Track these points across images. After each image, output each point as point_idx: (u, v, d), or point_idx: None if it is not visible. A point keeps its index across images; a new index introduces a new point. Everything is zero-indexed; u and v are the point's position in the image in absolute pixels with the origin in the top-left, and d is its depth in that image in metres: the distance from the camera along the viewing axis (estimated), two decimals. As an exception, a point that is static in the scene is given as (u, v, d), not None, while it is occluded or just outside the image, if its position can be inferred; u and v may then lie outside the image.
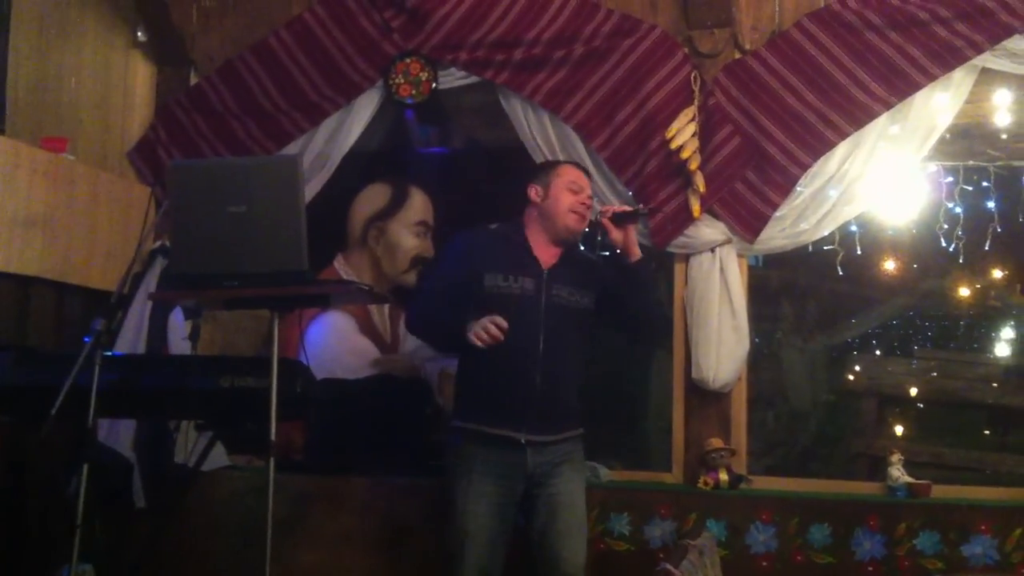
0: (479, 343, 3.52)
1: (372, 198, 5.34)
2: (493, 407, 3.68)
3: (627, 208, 3.86)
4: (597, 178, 4.57)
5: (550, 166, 4.00)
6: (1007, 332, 6.30)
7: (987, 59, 4.24)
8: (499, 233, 3.90)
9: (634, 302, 3.81)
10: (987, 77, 4.32)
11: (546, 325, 3.68)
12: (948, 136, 4.39)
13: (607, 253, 4.98)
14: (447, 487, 3.75)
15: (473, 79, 4.80)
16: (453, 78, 4.83)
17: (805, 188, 4.42)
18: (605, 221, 3.80)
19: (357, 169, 5.09)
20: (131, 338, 4.52)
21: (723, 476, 4.29)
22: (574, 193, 3.82)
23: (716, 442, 4.34)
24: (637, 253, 3.81)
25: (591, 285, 3.84)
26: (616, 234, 3.80)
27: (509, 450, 3.65)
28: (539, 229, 3.84)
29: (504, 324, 3.51)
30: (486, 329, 3.51)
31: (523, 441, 3.65)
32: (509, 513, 3.70)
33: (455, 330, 3.60)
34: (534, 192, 3.86)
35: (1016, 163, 4.46)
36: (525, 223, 3.87)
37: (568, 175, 3.87)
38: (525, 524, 3.75)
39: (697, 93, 4.43)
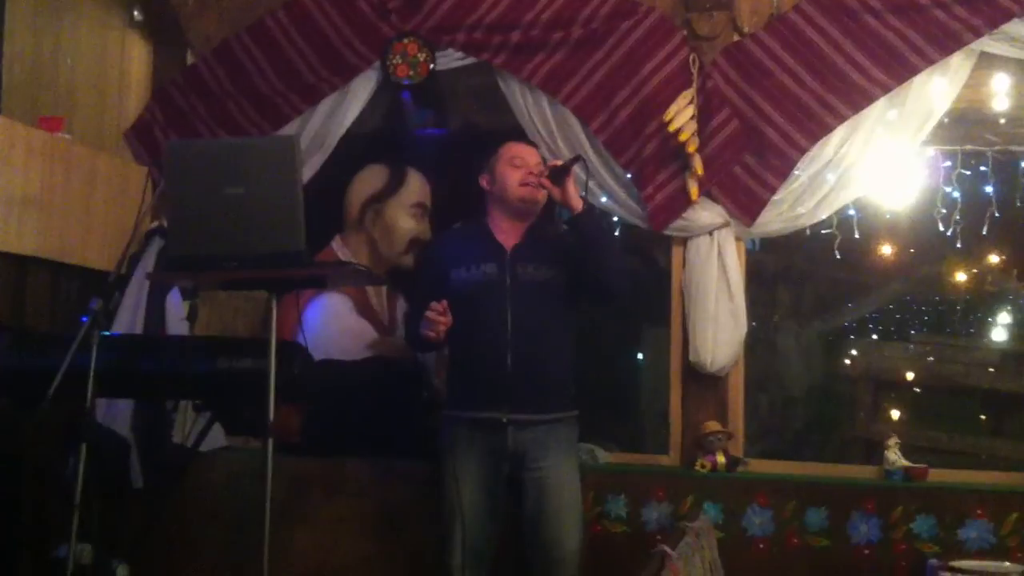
0: (432, 335, 3.64)
1: (369, 180, 5.32)
2: (472, 392, 3.78)
3: (557, 163, 3.85)
4: (595, 160, 4.56)
5: (492, 151, 4.00)
6: (1004, 317, 6.32)
7: (986, 43, 4.23)
8: (462, 229, 4.04)
9: (590, 260, 3.75)
10: (986, 61, 4.31)
11: (513, 305, 3.73)
12: (946, 121, 4.38)
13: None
14: (438, 467, 3.83)
15: (471, 60, 4.79)
16: (451, 59, 4.82)
17: (803, 172, 4.42)
18: (544, 181, 3.80)
19: (354, 150, 5.08)
20: (128, 319, 4.51)
21: (720, 459, 4.30)
22: (517, 168, 3.86)
23: (713, 425, 4.35)
24: (578, 206, 3.77)
25: (560, 257, 3.84)
26: (556, 191, 3.78)
27: (491, 430, 3.71)
28: (499, 213, 3.91)
29: (439, 306, 3.61)
30: (427, 320, 3.64)
31: (505, 420, 3.69)
32: (497, 492, 3.75)
33: (421, 337, 3.72)
34: (485, 181, 3.94)
35: (1014, 148, 4.46)
36: (487, 212, 3.94)
37: (507, 153, 3.92)
38: (516, 507, 3.77)
39: (695, 76, 4.42)
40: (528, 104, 4.69)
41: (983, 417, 6.26)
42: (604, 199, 4.63)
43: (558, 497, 3.71)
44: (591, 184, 4.58)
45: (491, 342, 3.71)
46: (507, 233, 3.87)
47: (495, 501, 3.76)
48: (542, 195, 3.85)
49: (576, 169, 3.83)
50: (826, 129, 4.36)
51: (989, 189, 4.51)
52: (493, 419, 3.71)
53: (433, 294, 3.73)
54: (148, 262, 4.61)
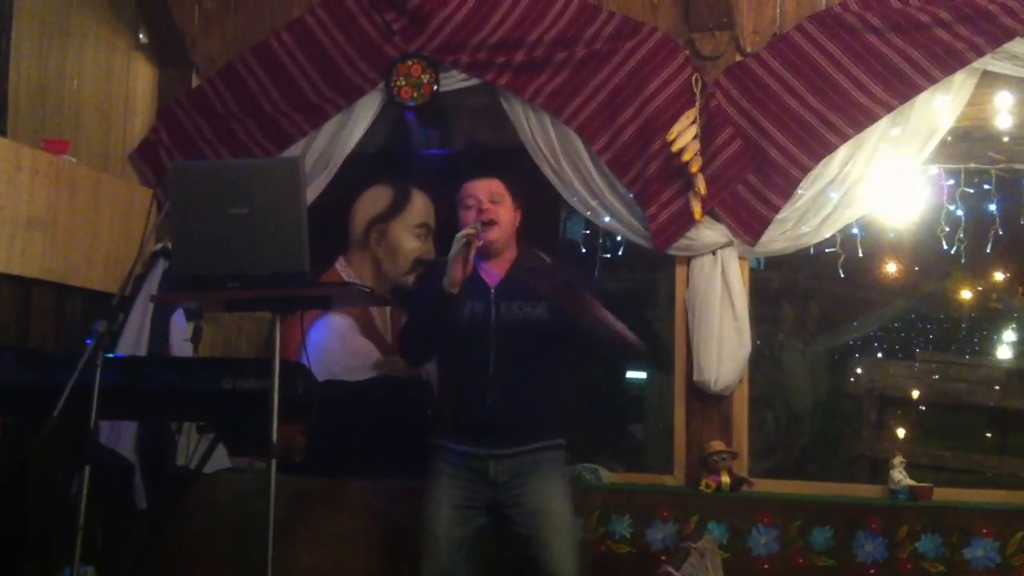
0: (463, 242, 3.58)
1: (373, 200, 5.33)
2: (455, 427, 3.79)
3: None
4: (599, 180, 4.57)
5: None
6: (1008, 335, 6.31)
7: (988, 62, 4.24)
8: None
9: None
10: (988, 80, 4.32)
11: (497, 344, 3.70)
12: (949, 139, 4.39)
13: (608, 255, 5.00)
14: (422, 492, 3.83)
15: (474, 81, 4.80)
16: (454, 80, 4.84)
17: (806, 191, 4.42)
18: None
19: (358, 171, 5.09)
20: (133, 340, 4.52)
21: (724, 478, 4.29)
22: (469, 208, 3.79)
23: (717, 444, 4.34)
24: None
25: (546, 293, 3.77)
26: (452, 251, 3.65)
27: (474, 461, 3.72)
28: (476, 253, 3.76)
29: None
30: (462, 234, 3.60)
31: (487, 456, 3.70)
32: (474, 519, 3.75)
33: (438, 292, 3.63)
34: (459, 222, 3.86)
35: (1017, 166, 4.45)
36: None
37: (462, 194, 3.83)
38: (510, 536, 3.76)
39: (698, 95, 4.43)
40: (531, 124, 4.70)
41: (988, 435, 6.24)
42: (607, 219, 4.64)
43: (543, 521, 3.68)
44: (594, 204, 4.60)
45: (473, 382, 3.71)
46: (488, 271, 3.81)
47: (470, 527, 3.75)
48: (495, 234, 3.75)
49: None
50: (829, 148, 4.36)
51: (993, 207, 4.52)
52: (473, 453, 3.72)
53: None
54: (152, 283, 4.62)
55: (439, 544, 3.72)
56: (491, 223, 3.75)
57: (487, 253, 3.80)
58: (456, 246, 3.60)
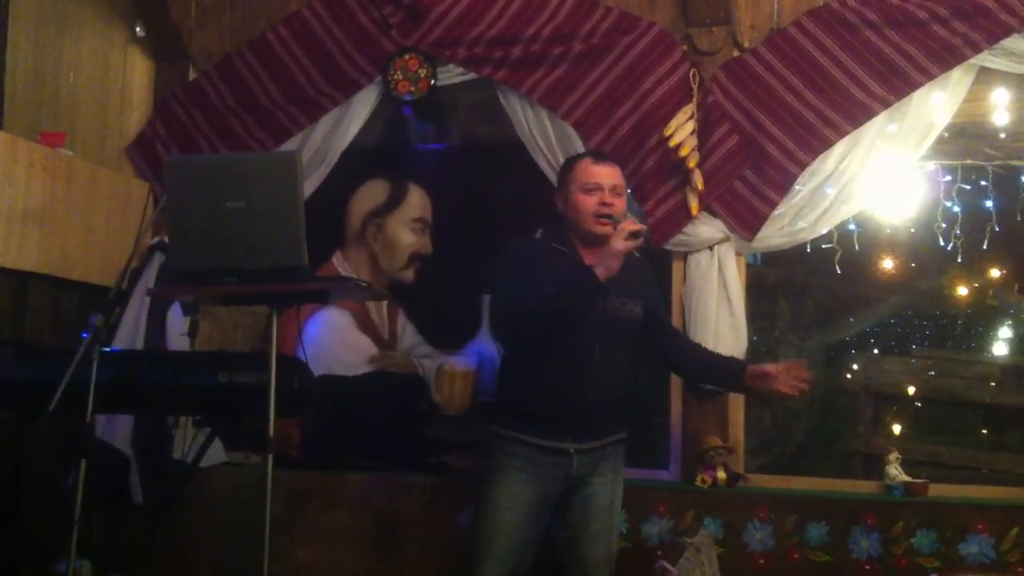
0: (626, 243, 3.38)
1: (370, 195, 5.33)
2: (541, 420, 3.60)
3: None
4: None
5: (565, 166, 3.75)
6: (1005, 331, 6.30)
7: (985, 58, 4.25)
8: (547, 243, 3.68)
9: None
10: (985, 76, 4.32)
11: (601, 339, 3.58)
12: (946, 135, 4.39)
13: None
14: (483, 483, 3.69)
15: (471, 76, 4.80)
16: (451, 75, 4.84)
17: (803, 186, 4.43)
18: (628, 243, 3.42)
19: (355, 165, 5.09)
20: (129, 334, 4.52)
21: (720, 474, 4.30)
22: (590, 193, 3.59)
23: (714, 440, 4.35)
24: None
25: (643, 292, 3.73)
26: (620, 246, 3.42)
27: (555, 456, 3.60)
28: (575, 238, 3.65)
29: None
30: (624, 231, 3.39)
31: (572, 451, 3.61)
32: (543, 515, 3.67)
33: (577, 280, 3.44)
34: (559, 201, 3.70)
35: (1014, 162, 4.46)
36: (565, 232, 3.68)
37: (581, 175, 3.63)
38: (556, 524, 3.72)
39: (695, 91, 4.43)
40: (529, 119, 4.69)
41: (984, 431, 6.24)
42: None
43: (606, 515, 3.68)
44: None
45: (573, 375, 3.57)
46: (593, 259, 3.52)
47: (540, 524, 3.66)
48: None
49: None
50: (826, 144, 4.36)
51: (989, 203, 4.51)
52: (559, 448, 3.60)
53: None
54: (149, 277, 4.62)
55: (511, 541, 3.60)
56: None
57: (599, 241, 3.56)
58: (623, 243, 3.39)
